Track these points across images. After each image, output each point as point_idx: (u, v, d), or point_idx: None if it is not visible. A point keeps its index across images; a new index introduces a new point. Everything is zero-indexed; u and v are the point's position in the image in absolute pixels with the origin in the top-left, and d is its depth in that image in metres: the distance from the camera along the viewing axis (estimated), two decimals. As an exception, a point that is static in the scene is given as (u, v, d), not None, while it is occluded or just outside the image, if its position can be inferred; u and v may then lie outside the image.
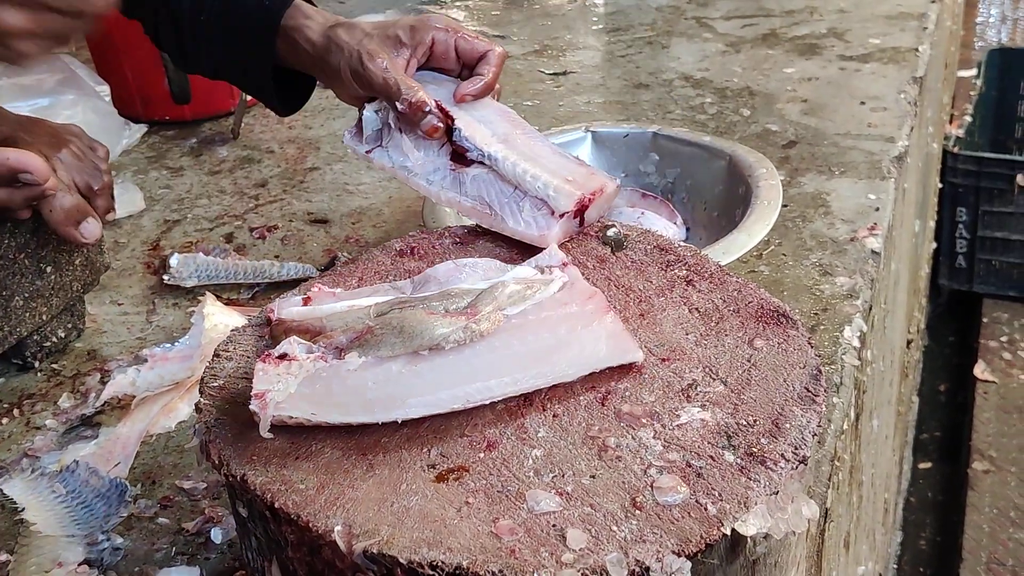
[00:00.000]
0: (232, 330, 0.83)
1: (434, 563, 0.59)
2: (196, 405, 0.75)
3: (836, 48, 1.99)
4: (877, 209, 1.37)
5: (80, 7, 0.82)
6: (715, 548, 0.62)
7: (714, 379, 0.75)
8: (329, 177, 1.61)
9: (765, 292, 0.84)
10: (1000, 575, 2.12)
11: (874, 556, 1.75)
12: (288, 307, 0.80)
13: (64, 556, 0.89)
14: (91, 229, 1.06)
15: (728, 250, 1.12)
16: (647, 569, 0.59)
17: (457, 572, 0.59)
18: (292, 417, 0.69)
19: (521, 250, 0.91)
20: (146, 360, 1.14)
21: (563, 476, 0.66)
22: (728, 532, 0.62)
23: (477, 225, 0.96)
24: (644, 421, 0.70)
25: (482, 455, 0.68)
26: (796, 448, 0.68)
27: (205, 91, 1.79)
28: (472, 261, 0.86)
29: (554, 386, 0.73)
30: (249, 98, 1.81)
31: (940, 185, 2.85)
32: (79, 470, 0.98)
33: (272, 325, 0.79)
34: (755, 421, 0.70)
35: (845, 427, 1.07)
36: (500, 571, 0.59)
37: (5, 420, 1.09)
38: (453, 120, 0.97)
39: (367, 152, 1.02)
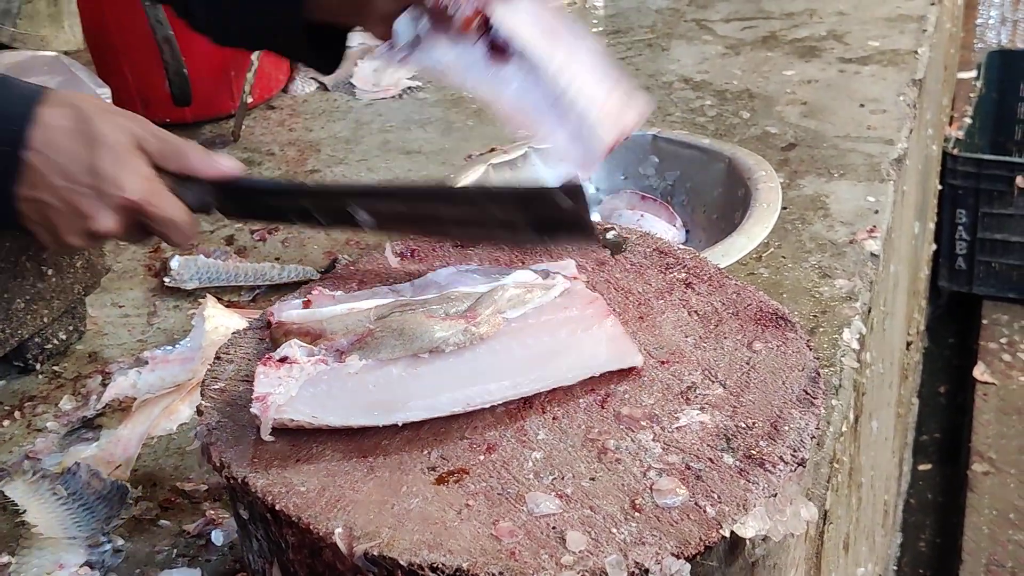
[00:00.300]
0: (233, 333, 0.84)
1: (434, 565, 0.60)
2: (197, 407, 0.75)
3: (836, 50, 1.99)
4: (876, 211, 1.37)
5: (170, 237, 0.87)
6: (714, 550, 0.62)
7: (713, 382, 0.75)
8: (330, 179, 1.61)
9: (764, 295, 0.84)
10: (999, 576, 2.12)
11: (874, 558, 1.75)
12: (288, 310, 0.80)
13: (65, 558, 0.89)
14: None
15: (727, 253, 1.12)
16: (646, 571, 0.60)
17: (457, 574, 0.59)
18: (293, 420, 0.69)
19: (522, 254, 0.91)
20: (147, 362, 1.15)
21: (563, 478, 0.66)
22: (727, 534, 0.62)
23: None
24: (643, 423, 0.71)
25: (482, 457, 0.68)
26: (795, 450, 0.68)
27: (206, 93, 1.79)
28: (473, 267, 0.86)
29: (554, 389, 0.74)
30: (249, 100, 1.82)
31: (940, 187, 2.85)
32: (80, 472, 0.98)
33: (272, 328, 0.79)
34: (754, 424, 0.70)
35: (844, 429, 1.07)
36: (500, 573, 0.59)
37: (6, 422, 1.09)
38: (488, 13, 0.92)
39: (402, 58, 0.97)
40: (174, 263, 1.32)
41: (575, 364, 0.74)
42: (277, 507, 0.65)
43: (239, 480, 0.67)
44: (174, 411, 1.08)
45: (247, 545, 0.74)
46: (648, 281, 0.86)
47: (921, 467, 2.65)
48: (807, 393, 0.73)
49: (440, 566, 0.60)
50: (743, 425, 0.70)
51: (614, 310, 0.81)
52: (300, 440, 0.70)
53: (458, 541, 0.61)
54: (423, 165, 1.63)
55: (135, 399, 1.08)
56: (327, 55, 1.11)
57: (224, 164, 0.89)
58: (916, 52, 1.94)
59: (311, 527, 0.63)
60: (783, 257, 1.27)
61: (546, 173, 1.32)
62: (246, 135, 1.79)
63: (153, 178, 0.85)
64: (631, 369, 0.76)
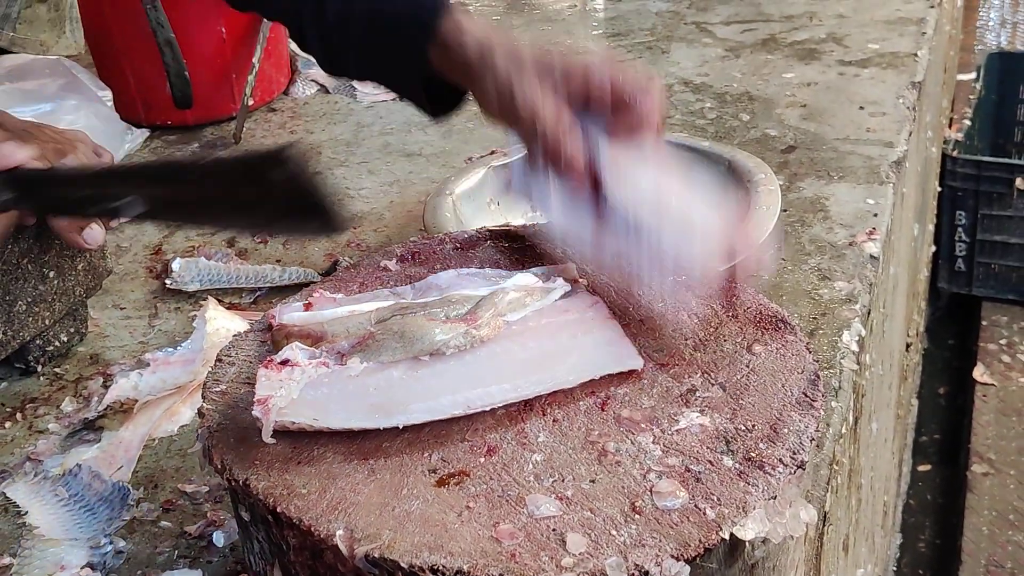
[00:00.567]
0: (234, 335, 0.84)
1: (435, 567, 0.60)
2: (199, 409, 0.75)
3: (835, 53, 1.99)
4: (876, 214, 1.38)
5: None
6: (714, 552, 0.63)
7: (713, 384, 0.75)
8: (330, 182, 1.61)
9: (763, 297, 0.84)
10: (999, 578, 2.12)
11: (873, 559, 1.75)
12: (289, 312, 0.81)
13: (67, 559, 0.90)
14: (95, 235, 1.07)
15: (727, 255, 1.12)
16: (646, 573, 0.60)
17: (458, 576, 0.60)
18: (294, 423, 0.70)
19: (524, 257, 0.92)
20: (148, 364, 1.15)
21: (563, 481, 0.67)
22: (726, 536, 0.62)
23: (478, 231, 0.96)
24: (643, 426, 0.71)
25: (483, 460, 0.69)
26: (794, 453, 0.68)
27: (207, 96, 1.79)
28: (475, 270, 0.87)
29: (554, 391, 0.74)
30: (251, 102, 1.82)
31: (939, 189, 2.85)
32: (82, 474, 0.99)
33: (273, 330, 0.79)
34: (753, 426, 0.71)
35: (844, 431, 1.07)
36: (500, 575, 0.59)
37: (8, 424, 1.10)
38: (600, 177, 0.87)
39: (516, 197, 0.95)
40: (175, 265, 1.32)
41: (575, 367, 0.75)
42: (278, 509, 0.65)
43: (240, 482, 0.68)
44: (175, 413, 1.08)
45: (248, 547, 0.74)
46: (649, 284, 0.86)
47: (921, 468, 2.65)
48: (806, 395, 0.74)
49: (441, 568, 0.60)
50: (743, 428, 0.71)
51: (614, 313, 0.81)
52: (301, 442, 0.70)
53: (459, 543, 0.62)
54: (423, 167, 1.64)
55: (136, 401, 1.09)
56: (442, 106, 1.06)
57: (16, 154, 0.81)
58: (916, 55, 1.94)
59: (312, 529, 0.63)
60: (783, 259, 1.28)
61: None
62: (247, 137, 1.79)
63: None
64: (631, 372, 0.76)
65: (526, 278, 0.82)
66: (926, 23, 2.11)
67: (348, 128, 1.80)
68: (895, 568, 2.32)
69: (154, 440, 1.06)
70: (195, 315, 1.22)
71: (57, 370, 1.18)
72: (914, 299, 2.31)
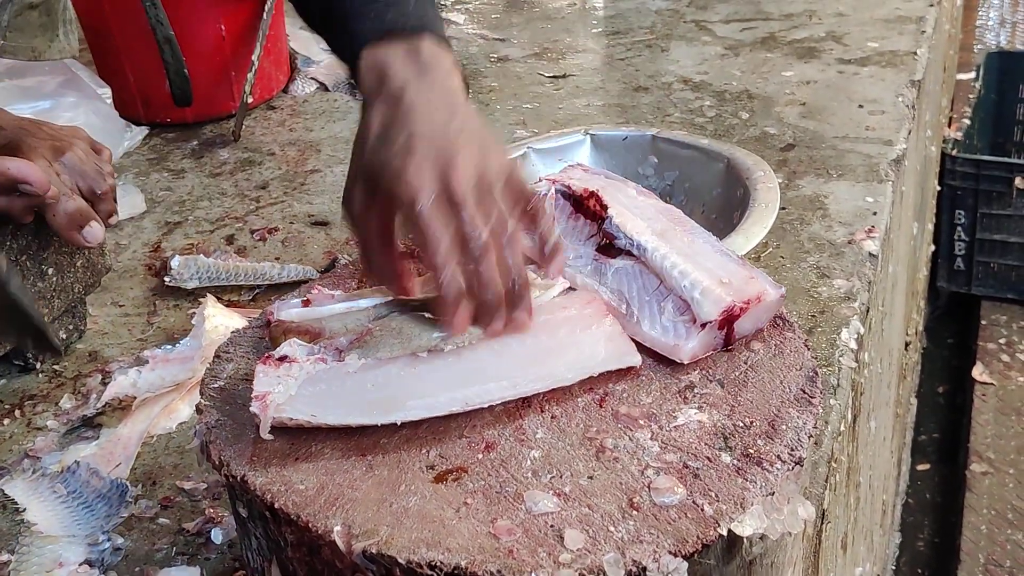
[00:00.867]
0: (233, 332, 0.84)
1: (433, 563, 0.60)
2: (197, 406, 0.75)
3: (834, 51, 1.99)
4: (875, 212, 1.38)
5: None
6: (711, 548, 0.63)
7: (711, 381, 0.75)
8: (330, 179, 1.61)
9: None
10: (998, 576, 2.12)
11: (872, 557, 1.75)
12: (288, 309, 0.80)
13: (65, 556, 0.90)
14: (94, 233, 1.07)
15: (726, 253, 1.12)
16: (644, 569, 0.60)
17: (455, 572, 0.60)
18: (292, 419, 0.70)
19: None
20: (147, 361, 1.15)
21: (561, 477, 0.67)
22: (724, 533, 0.62)
23: None
24: (641, 422, 0.71)
25: (480, 456, 0.69)
26: (792, 449, 0.68)
27: (206, 93, 1.79)
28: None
29: (552, 388, 0.74)
30: (250, 100, 1.82)
31: (939, 188, 2.85)
32: (80, 471, 0.99)
33: (271, 327, 0.79)
34: (752, 423, 0.71)
35: (842, 429, 1.07)
36: (498, 571, 0.59)
37: (6, 421, 1.09)
38: (606, 208, 0.88)
39: None
40: (174, 263, 1.32)
41: (574, 363, 0.75)
42: (276, 505, 0.65)
43: (238, 478, 0.68)
44: (174, 410, 1.08)
45: (246, 543, 0.74)
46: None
47: (919, 467, 2.66)
48: (805, 392, 0.74)
49: (438, 564, 0.60)
50: (741, 424, 0.71)
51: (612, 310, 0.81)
52: (299, 438, 0.70)
53: (456, 539, 0.62)
54: (423, 165, 1.63)
55: (135, 398, 1.09)
56: None
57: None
58: (915, 53, 1.94)
59: (310, 525, 0.63)
60: (781, 257, 1.28)
61: (543, 171, 1.32)
62: (246, 135, 1.79)
63: None
64: (629, 369, 0.76)
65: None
66: (925, 22, 2.11)
67: (347, 126, 1.80)
68: (894, 567, 2.32)
69: (152, 437, 1.06)
70: (194, 312, 1.22)
71: (56, 367, 1.18)
72: (913, 298, 2.31)
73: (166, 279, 1.31)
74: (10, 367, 1.16)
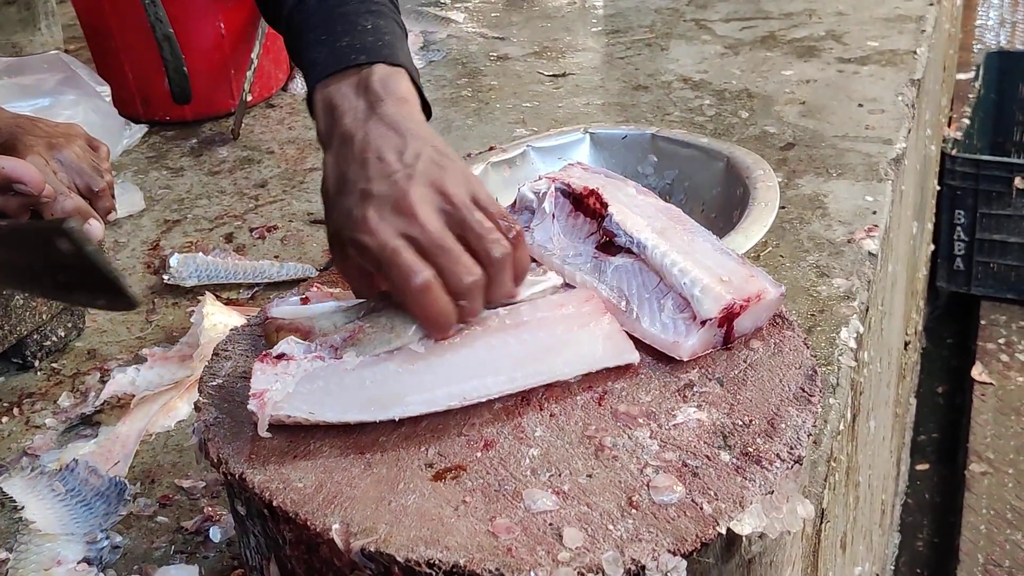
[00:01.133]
0: (231, 330, 0.84)
1: (431, 561, 0.60)
2: (195, 404, 0.75)
3: (834, 50, 1.99)
4: (874, 211, 1.38)
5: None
6: (710, 547, 0.63)
7: (710, 379, 0.75)
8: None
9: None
10: (997, 576, 2.12)
11: (871, 557, 1.75)
12: (281, 307, 0.80)
13: (63, 554, 0.90)
14: (93, 231, 1.06)
15: (725, 251, 1.12)
16: (643, 568, 0.60)
17: (454, 570, 0.59)
18: (290, 416, 0.69)
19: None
20: (146, 359, 1.15)
21: (560, 475, 0.66)
22: (723, 531, 0.62)
23: None
24: (641, 421, 0.71)
25: (479, 454, 0.68)
26: (791, 448, 0.68)
27: (205, 91, 1.79)
28: None
29: (551, 386, 0.74)
30: (249, 98, 1.82)
31: (938, 187, 2.85)
32: (78, 469, 0.98)
33: (264, 324, 0.79)
34: (751, 421, 0.70)
35: (842, 428, 1.07)
36: (497, 569, 0.59)
37: (5, 419, 1.09)
38: (606, 207, 0.88)
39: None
40: (173, 261, 1.32)
41: (571, 360, 0.75)
42: (274, 503, 0.65)
43: (236, 476, 0.67)
44: (172, 408, 1.08)
45: (244, 541, 0.74)
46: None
47: (919, 467, 2.65)
48: (804, 391, 0.73)
49: (437, 562, 0.60)
50: (740, 423, 0.70)
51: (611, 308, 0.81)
52: (297, 436, 0.70)
53: (455, 537, 0.62)
54: (422, 164, 1.63)
55: (133, 396, 1.08)
56: None
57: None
58: (915, 52, 1.94)
59: (308, 523, 0.63)
60: (781, 256, 1.27)
61: (543, 170, 1.32)
62: (246, 133, 1.79)
63: None
64: (628, 367, 0.76)
65: None
66: (925, 21, 2.11)
67: (347, 124, 1.80)
68: (893, 567, 2.32)
69: (151, 435, 1.05)
70: (192, 311, 1.22)
71: (54, 365, 1.18)
72: (913, 297, 2.31)
73: (165, 277, 1.31)
74: (8, 365, 1.16)
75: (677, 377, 0.75)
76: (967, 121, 3.03)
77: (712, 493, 0.64)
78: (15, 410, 1.10)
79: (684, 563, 0.60)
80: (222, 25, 1.77)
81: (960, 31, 3.50)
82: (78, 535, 0.92)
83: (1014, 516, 2.26)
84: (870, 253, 1.28)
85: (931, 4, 2.20)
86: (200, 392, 0.76)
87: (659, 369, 0.76)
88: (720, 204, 1.31)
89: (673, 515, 0.63)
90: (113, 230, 1.47)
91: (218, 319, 1.17)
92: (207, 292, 1.26)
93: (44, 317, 1.14)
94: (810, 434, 0.70)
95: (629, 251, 0.84)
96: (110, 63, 1.79)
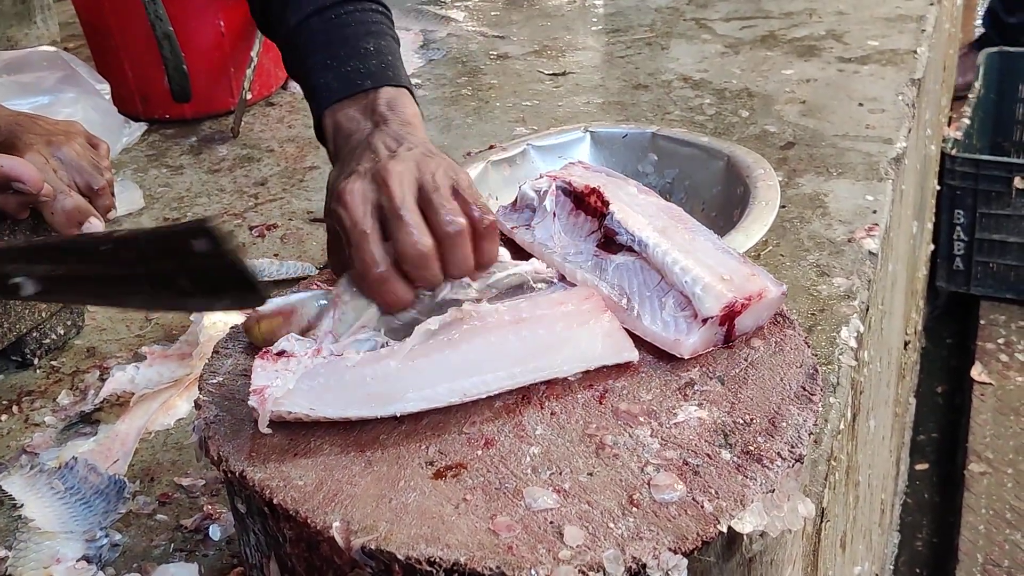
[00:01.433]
0: (231, 328, 0.84)
1: (432, 559, 0.60)
2: (195, 402, 0.75)
3: (835, 50, 1.99)
4: (875, 211, 1.38)
5: None
6: (711, 545, 0.62)
7: (711, 378, 0.75)
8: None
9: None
10: (996, 576, 2.12)
11: (871, 556, 1.75)
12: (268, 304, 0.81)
13: (63, 552, 0.89)
14: (93, 230, 1.06)
15: (726, 250, 1.12)
16: (644, 566, 0.60)
17: (455, 568, 0.59)
18: (291, 412, 0.69)
19: (519, 252, 0.91)
20: (145, 357, 1.15)
21: (560, 473, 0.66)
22: (724, 529, 0.62)
23: None
24: (641, 419, 0.71)
25: (480, 452, 0.68)
26: (792, 446, 0.68)
27: (205, 89, 1.79)
28: None
29: (552, 384, 0.74)
30: (249, 96, 1.81)
31: (938, 187, 2.85)
32: (78, 467, 0.98)
33: (246, 319, 0.80)
34: (752, 420, 0.70)
35: (842, 427, 1.07)
36: (497, 567, 0.59)
37: (4, 417, 1.09)
38: (608, 205, 0.88)
39: (512, 228, 0.94)
40: (172, 259, 1.31)
41: (571, 357, 0.74)
42: (275, 501, 0.65)
43: (237, 474, 0.67)
44: (172, 406, 1.08)
45: (244, 539, 0.74)
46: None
47: (918, 466, 2.65)
48: (805, 389, 0.73)
49: (437, 560, 0.60)
50: (741, 421, 0.70)
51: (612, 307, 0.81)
52: (298, 434, 0.70)
53: (456, 535, 0.61)
54: (422, 162, 1.63)
55: (133, 394, 1.08)
56: None
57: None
58: (915, 52, 1.94)
59: (309, 521, 0.63)
60: (781, 255, 1.27)
61: (543, 169, 1.32)
62: (245, 132, 1.79)
63: None
64: (629, 365, 0.76)
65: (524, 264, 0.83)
66: (926, 20, 2.11)
67: (346, 123, 1.80)
68: (892, 566, 2.32)
69: (150, 433, 1.05)
70: (192, 308, 1.22)
71: (54, 363, 1.17)
72: (912, 297, 2.31)
73: (164, 275, 1.30)
74: (8, 363, 1.16)
75: (678, 375, 0.75)
76: (967, 121, 3.03)
77: (713, 491, 0.64)
78: (14, 408, 1.10)
79: (685, 561, 0.60)
80: (222, 23, 1.77)
81: (960, 31, 3.50)
82: (77, 533, 0.92)
83: (1013, 516, 2.26)
84: (870, 252, 1.28)
85: (931, 4, 2.20)
86: (200, 390, 0.76)
87: (660, 367, 0.76)
88: (720, 203, 1.31)
89: (674, 513, 0.63)
90: (112, 228, 1.47)
91: (218, 317, 1.17)
92: (207, 290, 1.25)
93: (43, 315, 1.14)
94: (811, 433, 0.70)
95: (630, 249, 0.84)
96: (110, 61, 1.79)
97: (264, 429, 0.69)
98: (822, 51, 1.99)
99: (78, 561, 0.89)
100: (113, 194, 1.13)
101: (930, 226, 2.77)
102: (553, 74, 1.97)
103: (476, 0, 2.48)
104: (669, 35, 2.15)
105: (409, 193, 0.78)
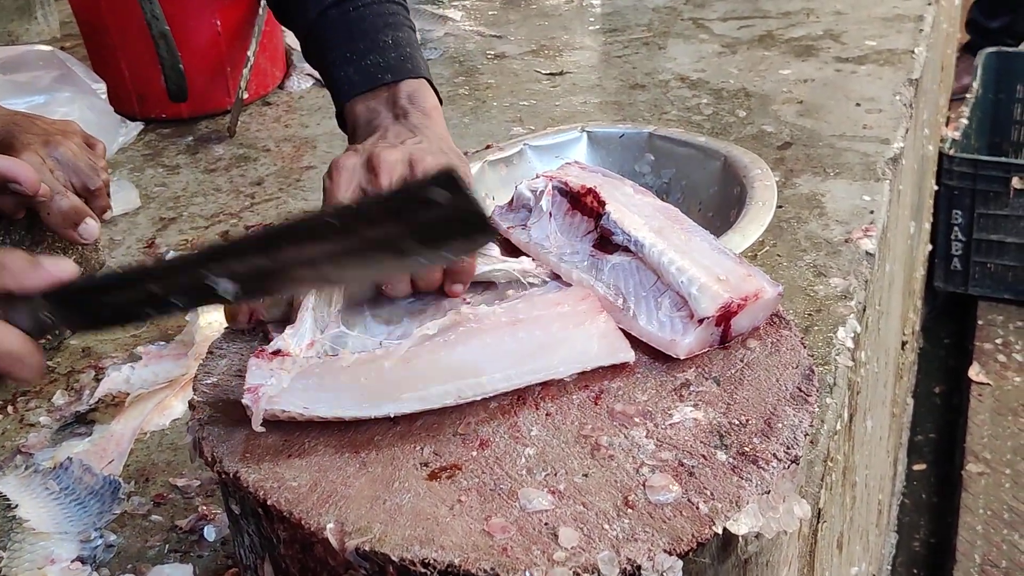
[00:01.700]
0: (226, 328, 0.83)
1: (426, 561, 0.59)
2: (190, 402, 0.75)
3: (832, 50, 1.99)
4: (872, 211, 1.37)
5: (13, 374, 0.68)
6: (706, 547, 0.62)
7: (707, 379, 0.75)
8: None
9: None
10: (993, 577, 2.12)
11: (868, 557, 1.75)
12: None
13: (57, 553, 0.89)
14: (90, 230, 1.06)
15: (723, 250, 1.11)
16: (638, 567, 0.59)
17: (449, 570, 0.59)
18: (285, 411, 0.69)
19: (515, 252, 0.91)
20: (140, 357, 1.15)
21: (555, 475, 0.66)
22: (720, 531, 0.62)
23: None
24: (637, 420, 0.71)
25: (475, 453, 0.68)
26: (788, 448, 0.68)
27: (202, 89, 1.79)
28: None
29: (547, 385, 0.74)
30: (245, 96, 1.81)
31: (936, 187, 2.85)
32: (73, 467, 0.98)
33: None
34: (747, 421, 0.70)
35: (838, 428, 1.07)
36: (492, 569, 0.59)
37: (-1, 417, 1.09)
38: (604, 205, 0.88)
39: (507, 228, 0.93)
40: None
41: (567, 358, 0.74)
42: (269, 502, 0.65)
43: (231, 475, 0.67)
44: (167, 406, 1.08)
45: (239, 540, 0.73)
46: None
47: (915, 467, 2.65)
48: (801, 391, 0.73)
49: (432, 562, 0.59)
50: (737, 422, 0.70)
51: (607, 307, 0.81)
52: (292, 435, 0.70)
53: (450, 537, 0.61)
54: (419, 162, 1.63)
55: (128, 394, 1.08)
56: None
57: (53, 268, 0.70)
58: (913, 52, 1.94)
59: (303, 522, 0.63)
60: (778, 255, 1.27)
61: (540, 168, 1.32)
62: (242, 131, 1.79)
63: None
64: (624, 365, 0.76)
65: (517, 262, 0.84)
66: (923, 20, 2.11)
67: (343, 122, 1.80)
68: (890, 567, 2.32)
69: (145, 434, 1.05)
70: (188, 308, 1.21)
71: (49, 363, 1.17)
72: (910, 297, 2.31)
73: (160, 275, 1.30)
74: (3, 363, 1.16)
75: (674, 376, 0.75)
76: (965, 121, 3.03)
77: (708, 493, 0.64)
78: (9, 408, 1.10)
79: (680, 563, 0.60)
80: (218, 22, 1.76)
81: (959, 31, 3.50)
82: (72, 534, 0.92)
83: (1011, 516, 2.26)
84: (867, 253, 1.28)
85: (929, 3, 2.20)
86: (195, 390, 0.75)
87: (655, 368, 0.76)
88: (717, 203, 1.31)
89: (669, 515, 0.63)
90: (108, 228, 1.47)
91: (213, 317, 1.17)
92: (203, 290, 1.25)
93: (39, 315, 1.13)
94: (807, 434, 0.70)
95: (626, 249, 0.84)
96: (106, 60, 1.79)
97: (258, 428, 0.69)
98: (819, 51, 1.99)
99: (72, 562, 0.89)
100: (109, 194, 1.13)
101: (928, 226, 2.77)
102: (550, 74, 1.97)
103: (474, 0, 2.48)
104: (666, 35, 2.15)
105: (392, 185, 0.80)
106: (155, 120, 1.82)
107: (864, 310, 1.21)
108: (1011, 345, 2.80)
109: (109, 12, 1.74)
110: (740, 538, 0.63)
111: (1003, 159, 3.04)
